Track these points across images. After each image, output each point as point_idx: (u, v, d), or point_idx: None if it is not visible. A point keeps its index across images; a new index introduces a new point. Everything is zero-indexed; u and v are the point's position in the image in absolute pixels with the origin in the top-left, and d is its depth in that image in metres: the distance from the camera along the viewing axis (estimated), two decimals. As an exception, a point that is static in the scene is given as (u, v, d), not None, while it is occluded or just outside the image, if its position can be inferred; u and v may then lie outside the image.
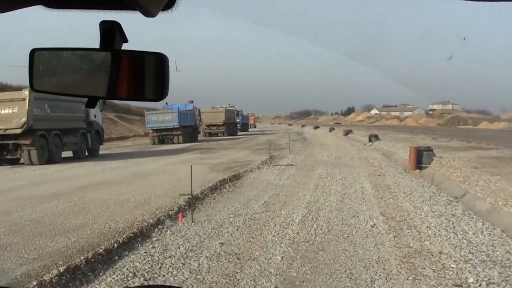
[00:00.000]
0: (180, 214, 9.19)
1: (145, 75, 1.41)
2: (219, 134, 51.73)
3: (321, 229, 8.63)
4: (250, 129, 78.65)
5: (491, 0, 1.15)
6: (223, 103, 59.92)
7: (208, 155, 24.17)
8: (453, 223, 9.48)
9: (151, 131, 38.75)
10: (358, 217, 9.82)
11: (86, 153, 24.97)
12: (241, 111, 70.13)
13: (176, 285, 5.60)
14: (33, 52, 1.43)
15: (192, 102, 42.97)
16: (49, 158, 21.11)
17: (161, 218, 8.91)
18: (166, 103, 39.23)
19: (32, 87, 1.45)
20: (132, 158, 23.65)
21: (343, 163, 21.35)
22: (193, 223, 8.84)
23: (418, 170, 20.76)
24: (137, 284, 5.74)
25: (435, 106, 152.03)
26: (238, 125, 64.15)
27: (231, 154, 25.04)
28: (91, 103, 1.46)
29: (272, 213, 9.94)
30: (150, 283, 5.87)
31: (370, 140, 37.02)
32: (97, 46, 1.35)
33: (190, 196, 10.06)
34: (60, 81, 1.47)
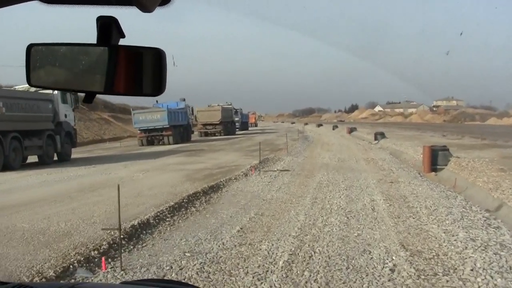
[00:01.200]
0: (103, 258, 6.16)
1: (143, 70, 1.40)
2: (216, 134, 48.69)
3: (315, 281, 5.65)
4: (250, 128, 75.65)
5: None
6: (225, 102, 56.65)
7: (193, 159, 21.19)
8: (506, 261, 6.52)
9: (138, 131, 35.70)
10: (370, 252, 6.84)
11: (56, 158, 21.98)
12: (241, 109, 67.06)
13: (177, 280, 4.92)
14: (30, 48, 1.42)
15: (184, 99, 39.87)
16: (6, 164, 18.13)
17: (73, 264, 5.91)
18: (156, 101, 36.27)
19: (29, 82, 1.44)
20: (106, 163, 20.68)
21: (348, 166, 18.38)
22: (122, 272, 5.85)
23: (433, 172, 18.04)
24: None
25: (439, 103, 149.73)
26: (237, 124, 61.18)
27: (220, 157, 22.05)
28: (88, 99, 1.44)
29: (247, 249, 6.95)
30: None
31: (375, 138, 34.75)
32: (94, 41, 1.34)
33: (132, 226, 7.04)
34: (57, 77, 1.46)
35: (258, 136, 45.44)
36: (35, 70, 1.43)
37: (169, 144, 34.47)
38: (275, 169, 16.63)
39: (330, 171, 16.36)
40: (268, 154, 22.62)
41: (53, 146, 21.26)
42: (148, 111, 35.51)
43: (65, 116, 22.58)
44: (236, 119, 61.04)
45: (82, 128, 53.31)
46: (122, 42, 1.35)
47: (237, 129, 59.86)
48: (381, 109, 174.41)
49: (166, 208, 9.18)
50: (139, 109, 36.62)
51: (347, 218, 9.08)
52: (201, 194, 11.08)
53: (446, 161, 18.37)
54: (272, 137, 42.44)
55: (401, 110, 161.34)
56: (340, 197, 11.38)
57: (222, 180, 13.42)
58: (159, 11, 1.29)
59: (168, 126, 34.48)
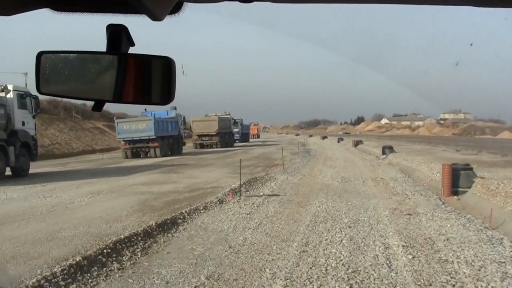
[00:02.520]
0: None
1: (152, 79, 1.41)
2: (213, 146, 45.29)
3: None
4: (252, 140, 72.34)
5: (497, 6, 1.20)
6: (223, 111, 53.28)
7: (168, 177, 17.80)
8: None
9: (123, 142, 32.26)
10: None
11: (9, 172, 18.59)
12: (241, 119, 63.76)
13: None
14: (39, 55, 1.43)
15: (175, 108, 36.43)
16: None
17: None
18: (145, 109, 32.99)
19: (38, 90, 1.46)
20: (63, 180, 17.28)
21: (353, 188, 15.08)
22: None
23: (455, 197, 14.93)
24: None
25: (446, 115, 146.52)
26: (237, 135, 57.94)
27: (202, 174, 18.68)
28: (97, 107, 1.43)
29: None
30: None
31: (383, 153, 32.05)
32: (104, 49, 1.34)
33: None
34: (67, 84, 1.48)
35: (256, 149, 42.21)
36: (45, 78, 1.43)
37: (155, 156, 31.14)
38: (261, 193, 13.26)
39: (330, 196, 13.05)
40: (259, 172, 19.31)
41: (4, 159, 17.91)
42: (133, 120, 32.22)
43: (23, 123, 19.23)
44: (236, 130, 57.80)
45: (73, 138, 50.43)
46: (132, 50, 1.34)
47: (237, 141, 56.68)
48: (387, 121, 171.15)
49: (63, 269, 5.80)
50: (121, 118, 33.36)
51: (351, 287, 5.75)
52: (140, 238, 7.70)
53: (470, 182, 15.57)
54: (271, 150, 39.08)
55: (408, 122, 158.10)
56: (342, 241, 8.05)
57: (184, 211, 10.05)
58: (169, 19, 1.29)
59: (154, 137, 31.06)
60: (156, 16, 1.22)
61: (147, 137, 31.09)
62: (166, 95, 1.39)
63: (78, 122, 58.29)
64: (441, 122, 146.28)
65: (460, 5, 1.25)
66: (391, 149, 32.77)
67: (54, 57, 1.43)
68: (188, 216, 9.69)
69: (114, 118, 34.37)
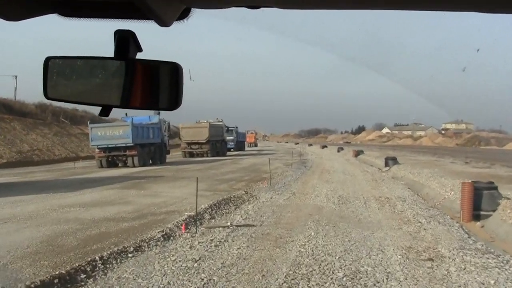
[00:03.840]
0: None
1: (159, 84, 1.40)
2: (204, 155, 42.03)
3: None
4: (248, 148, 69.12)
5: (503, 12, 1.17)
6: (215, 118, 50.02)
7: (123, 194, 14.44)
8: None
9: (97, 150, 28.93)
10: None
11: None
12: (236, 127, 60.46)
13: None
14: (47, 61, 1.41)
15: (158, 113, 33.08)
16: None
17: None
18: (126, 114, 29.74)
19: (46, 95, 1.43)
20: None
21: (352, 213, 11.91)
22: None
23: (477, 222, 12.12)
24: None
25: (448, 126, 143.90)
26: (231, 143, 54.71)
27: (168, 191, 15.33)
28: (104, 112, 1.41)
29: None
30: None
31: (386, 164, 29.24)
32: (112, 55, 1.33)
33: None
34: (74, 90, 1.46)
35: (248, 159, 38.93)
36: (52, 83, 1.41)
37: (133, 166, 27.82)
38: (229, 223, 9.94)
39: (322, 227, 9.83)
40: (240, 188, 16.06)
41: None
42: (108, 125, 28.86)
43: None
44: (230, 138, 54.57)
45: (56, 144, 47.22)
46: (139, 56, 1.33)
47: (231, 149, 53.46)
48: (388, 131, 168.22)
49: None
50: (96, 123, 30.04)
51: None
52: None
53: (494, 204, 12.85)
54: (263, 160, 35.70)
55: (409, 132, 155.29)
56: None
57: (100, 255, 6.75)
58: (176, 25, 1.28)
59: (132, 144, 27.73)
60: (164, 22, 1.21)
61: (124, 145, 27.80)
62: (174, 100, 1.37)
63: (65, 128, 55.04)
64: (443, 132, 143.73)
65: (466, 11, 1.21)
66: (394, 160, 30.01)
67: (61, 62, 1.42)
68: (102, 266, 6.39)
69: (88, 122, 30.99)
